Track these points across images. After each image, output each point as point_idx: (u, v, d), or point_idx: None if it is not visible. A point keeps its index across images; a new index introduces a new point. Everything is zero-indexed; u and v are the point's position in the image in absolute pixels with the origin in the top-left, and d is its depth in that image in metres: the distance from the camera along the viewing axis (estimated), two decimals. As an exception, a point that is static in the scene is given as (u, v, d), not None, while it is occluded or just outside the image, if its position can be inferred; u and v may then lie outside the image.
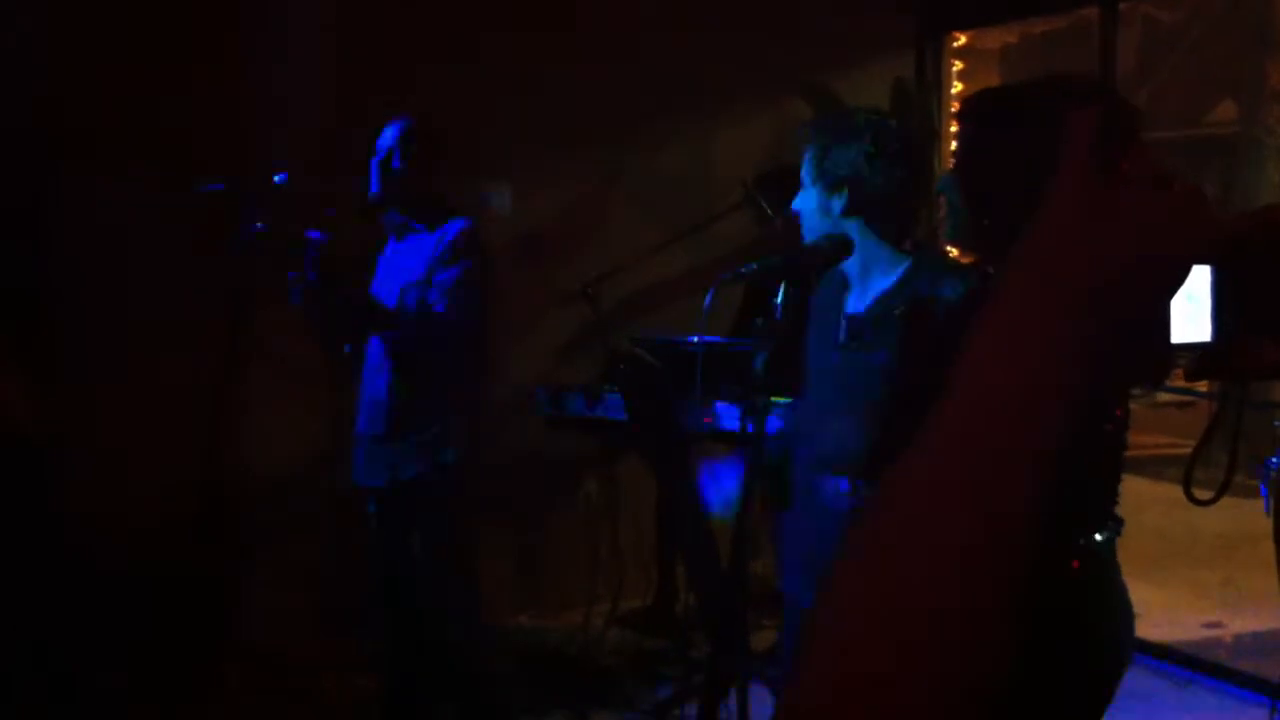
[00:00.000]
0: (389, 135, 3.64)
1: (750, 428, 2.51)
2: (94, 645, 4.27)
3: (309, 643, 4.72)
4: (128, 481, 4.41)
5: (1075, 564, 2.02)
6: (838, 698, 0.60)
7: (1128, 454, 2.08)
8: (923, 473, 0.66)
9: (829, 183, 2.60)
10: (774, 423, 2.74)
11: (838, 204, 2.59)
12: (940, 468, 0.65)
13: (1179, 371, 0.78)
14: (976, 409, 0.66)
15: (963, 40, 6.18)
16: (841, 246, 2.55)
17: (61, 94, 4.41)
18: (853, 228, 2.59)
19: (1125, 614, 2.12)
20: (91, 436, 4.41)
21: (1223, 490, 1.37)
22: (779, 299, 2.51)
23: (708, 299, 2.52)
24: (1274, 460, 3.43)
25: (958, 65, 6.13)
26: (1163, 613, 5.23)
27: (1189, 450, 1.22)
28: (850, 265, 2.60)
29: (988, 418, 0.65)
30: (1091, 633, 2.08)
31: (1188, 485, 1.22)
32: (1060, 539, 1.95)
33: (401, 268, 3.65)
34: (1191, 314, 0.76)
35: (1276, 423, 3.76)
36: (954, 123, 5.89)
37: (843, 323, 2.62)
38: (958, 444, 0.65)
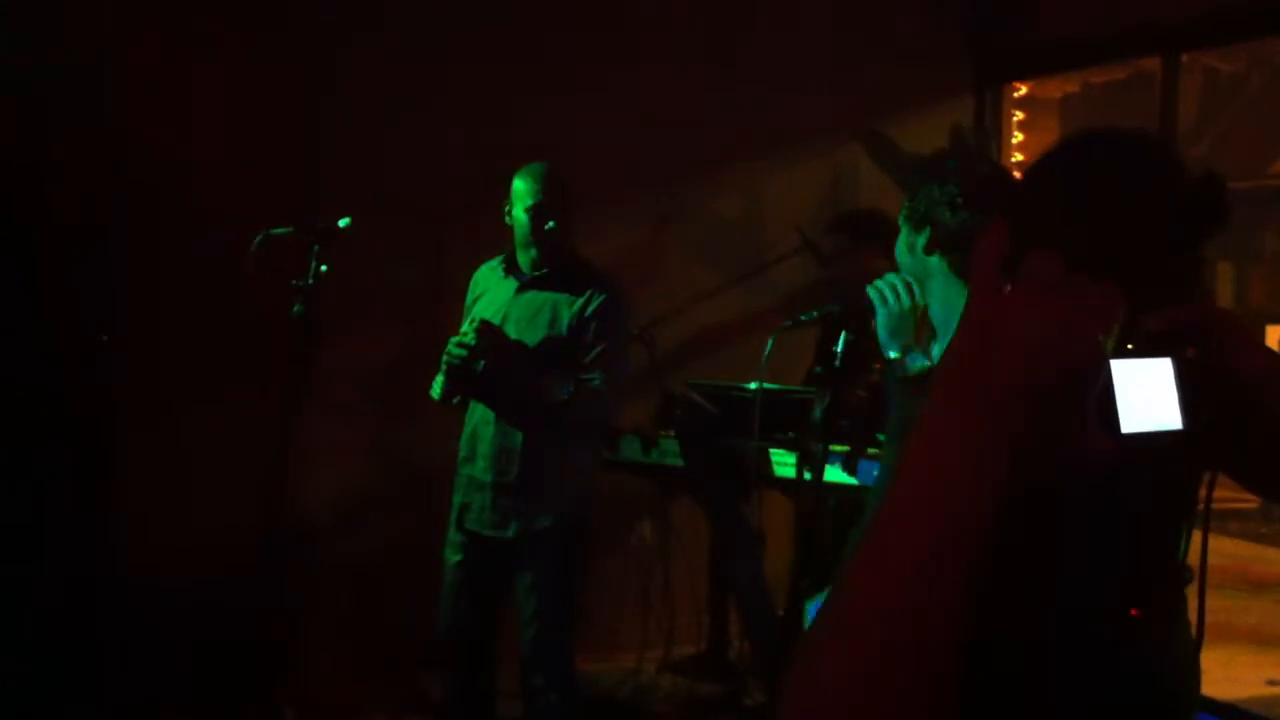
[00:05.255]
0: (532, 183, 3.57)
1: (808, 475, 2.51)
2: (148, 682, 4.30)
3: (362, 684, 4.73)
4: (186, 516, 4.45)
5: (1134, 611, 1.94)
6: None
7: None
8: (868, 562, 0.73)
9: (915, 221, 2.59)
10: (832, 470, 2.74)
11: (920, 240, 2.58)
12: (878, 562, 0.73)
13: None
14: (907, 500, 0.74)
15: (1023, 90, 6.17)
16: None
17: (131, 119, 4.49)
18: (936, 266, 2.55)
19: (1189, 670, 2.03)
20: (150, 471, 4.47)
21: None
22: (839, 346, 2.51)
23: (768, 347, 2.53)
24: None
25: (1018, 115, 6.11)
26: (1223, 669, 5.14)
27: (1252, 504, 1.22)
28: (933, 311, 2.57)
29: (913, 514, 0.73)
30: (1151, 687, 1.99)
31: None
32: (1113, 590, 1.88)
33: (534, 315, 3.61)
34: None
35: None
36: (1016, 172, 5.88)
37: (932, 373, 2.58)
38: (890, 540, 0.73)
